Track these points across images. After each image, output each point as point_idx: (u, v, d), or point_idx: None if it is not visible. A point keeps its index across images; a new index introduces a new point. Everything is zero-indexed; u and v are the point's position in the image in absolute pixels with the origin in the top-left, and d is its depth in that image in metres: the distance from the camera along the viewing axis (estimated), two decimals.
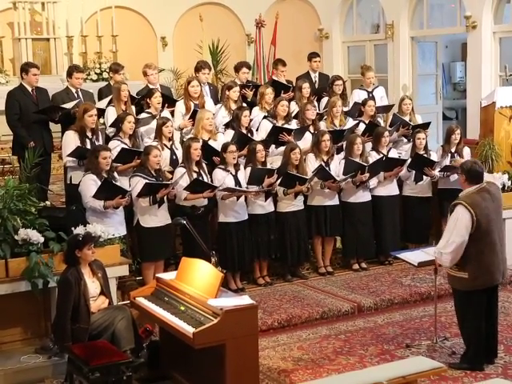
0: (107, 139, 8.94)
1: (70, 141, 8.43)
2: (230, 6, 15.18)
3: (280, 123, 9.31)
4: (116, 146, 8.37)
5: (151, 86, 9.63)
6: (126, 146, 8.46)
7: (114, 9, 14.25)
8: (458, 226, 6.40)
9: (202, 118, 8.77)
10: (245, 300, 5.96)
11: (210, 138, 8.81)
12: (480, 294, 6.51)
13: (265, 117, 9.47)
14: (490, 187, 6.62)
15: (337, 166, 9.10)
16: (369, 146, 9.54)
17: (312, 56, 11.20)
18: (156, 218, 8.06)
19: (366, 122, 9.89)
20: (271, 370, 6.72)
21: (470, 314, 6.59)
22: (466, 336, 6.69)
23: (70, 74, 9.62)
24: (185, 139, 8.72)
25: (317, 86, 10.94)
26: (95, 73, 13.94)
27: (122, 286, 7.97)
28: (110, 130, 8.93)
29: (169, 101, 9.47)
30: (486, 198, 6.49)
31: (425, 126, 9.99)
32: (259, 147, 8.55)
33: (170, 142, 8.67)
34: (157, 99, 9.06)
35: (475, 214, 6.37)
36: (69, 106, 9.19)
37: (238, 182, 8.39)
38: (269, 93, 9.59)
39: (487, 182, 6.69)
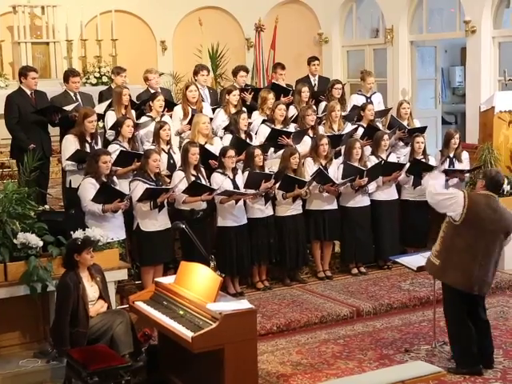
0: (107, 143, 8.96)
1: (70, 145, 8.44)
2: (230, 10, 15.20)
3: (278, 127, 9.31)
4: (115, 150, 8.38)
5: (152, 91, 9.65)
6: (125, 150, 8.47)
7: (114, 13, 14.24)
8: (451, 199, 6.45)
9: (198, 123, 8.78)
10: (244, 304, 5.95)
11: (206, 142, 8.82)
12: (455, 291, 6.52)
13: (263, 121, 9.48)
14: (499, 202, 6.58)
15: (335, 171, 9.09)
16: (368, 150, 9.55)
17: (310, 60, 11.25)
18: (156, 222, 8.07)
19: (365, 126, 9.90)
20: (270, 375, 6.71)
21: (449, 308, 6.66)
22: (450, 334, 6.73)
23: (66, 79, 9.66)
24: (183, 144, 8.73)
25: (316, 89, 10.96)
26: (95, 77, 13.91)
27: (120, 290, 7.97)
28: (110, 134, 8.94)
29: (169, 105, 9.48)
30: (490, 205, 6.47)
31: (421, 130, 10.00)
32: (257, 152, 8.55)
33: (168, 146, 8.67)
34: (159, 102, 9.10)
35: (467, 206, 6.37)
36: (68, 108, 9.21)
37: (236, 187, 8.40)
38: (271, 98, 9.60)
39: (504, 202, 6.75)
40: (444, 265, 6.51)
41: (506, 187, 9.44)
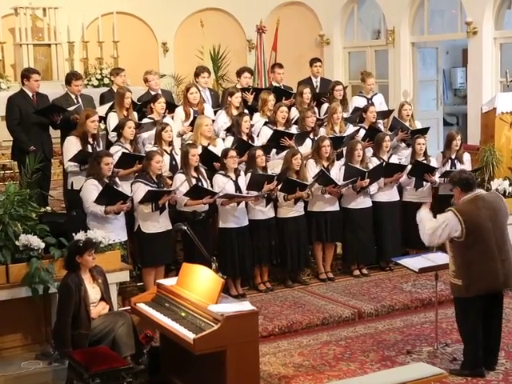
0: (109, 144, 8.96)
1: (72, 146, 8.44)
2: (231, 12, 15.21)
3: (280, 129, 9.31)
4: (117, 151, 8.38)
5: (153, 93, 9.65)
6: (127, 151, 8.47)
7: (116, 15, 14.27)
8: (445, 227, 6.43)
9: (200, 124, 8.78)
10: (245, 306, 5.95)
11: (209, 144, 8.82)
12: (476, 301, 6.49)
13: (265, 123, 9.47)
14: (485, 196, 6.61)
15: (337, 173, 9.09)
16: (369, 151, 9.55)
17: (312, 61, 11.24)
18: (157, 223, 8.07)
19: (367, 127, 9.90)
20: (272, 376, 6.71)
21: (467, 321, 6.60)
22: (464, 341, 6.70)
23: (68, 82, 9.65)
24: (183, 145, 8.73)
25: (318, 91, 10.94)
26: (96, 78, 13.95)
27: (122, 291, 7.97)
28: (113, 135, 8.94)
29: (170, 106, 9.48)
30: (480, 206, 6.48)
31: (423, 131, 10.00)
32: (259, 153, 8.55)
33: (170, 148, 8.68)
34: (161, 104, 9.09)
35: (464, 221, 6.37)
36: (69, 108, 9.22)
37: (238, 188, 8.40)
38: (271, 99, 9.58)
39: (487, 192, 6.70)
40: (468, 282, 6.46)
41: (508, 188, 9.44)
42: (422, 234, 6.68)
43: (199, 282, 6.15)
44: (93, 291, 6.55)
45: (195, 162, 8.23)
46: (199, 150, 8.39)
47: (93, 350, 6.25)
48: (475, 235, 6.40)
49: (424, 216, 6.74)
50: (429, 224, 6.60)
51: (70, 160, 8.38)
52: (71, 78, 9.67)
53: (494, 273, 6.47)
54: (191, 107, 9.32)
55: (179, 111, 9.38)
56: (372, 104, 10.35)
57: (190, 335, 5.69)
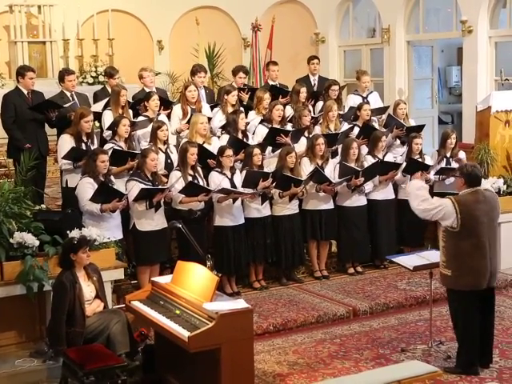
0: (104, 142, 8.94)
1: (66, 144, 8.43)
2: (227, 10, 15.20)
3: (276, 127, 9.30)
4: (109, 149, 8.35)
5: (147, 90, 9.64)
6: (118, 149, 8.46)
7: (111, 12, 14.25)
8: (439, 211, 6.49)
9: (195, 122, 8.78)
10: (240, 304, 5.95)
11: (204, 142, 8.81)
12: (468, 296, 6.51)
13: (261, 121, 9.47)
14: (485, 191, 6.65)
15: (331, 171, 9.10)
16: (364, 149, 9.55)
17: (310, 59, 11.29)
18: (152, 221, 8.06)
19: (360, 125, 9.90)
20: (266, 374, 6.72)
21: (460, 314, 6.63)
22: (458, 335, 6.71)
23: (61, 79, 9.64)
24: (181, 143, 8.72)
25: (315, 89, 10.95)
26: (91, 76, 13.94)
27: (117, 289, 7.96)
28: (107, 134, 8.93)
29: (165, 103, 9.46)
30: (480, 200, 6.52)
31: (419, 129, 10.02)
32: (256, 151, 8.55)
33: (165, 146, 8.67)
34: (155, 102, 9.08)
35: (460, 211, 6.41)
36: (65, 105, 9.21)
37: (233, 186, 8.39)
38: (266, 98, 9.58)
39: (485, 189, 6.72)
40: (458, 273, 6.49)
41: (503, 187, 9.46)
42: (413, 205, 6.76)
43: (194, 280, 6.15)
44: (87, 289, 6.55)
45: (193, 160, 8.22)
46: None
47: (87, 348, 6.24)
48: (469, 227, 6.43)
49: (415, 186, 6.82)
50: (423, 204, 6.64)
51: (63, 158, 8.38)
52: (63, 74, 9.68)
53: (483, 270, 6.49)
54: (189, 105, 9.32)
55: (177, 109, 9.37)
56: (367, 102, 10.36)
57: (184, 333, 5.68)
